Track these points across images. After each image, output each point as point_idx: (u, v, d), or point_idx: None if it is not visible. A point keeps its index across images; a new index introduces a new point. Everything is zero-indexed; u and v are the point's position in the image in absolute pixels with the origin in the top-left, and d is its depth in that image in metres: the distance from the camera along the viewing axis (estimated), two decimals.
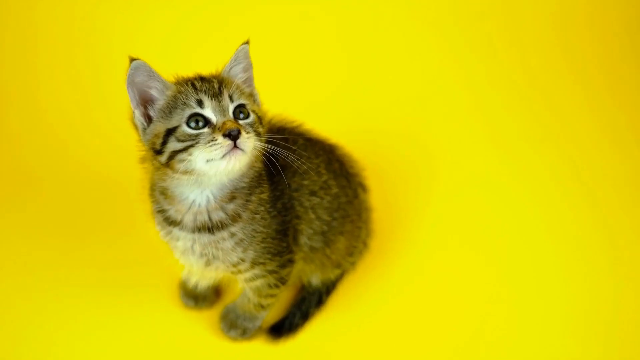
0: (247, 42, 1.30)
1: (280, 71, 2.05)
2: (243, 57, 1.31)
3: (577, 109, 2.10)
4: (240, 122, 1.23)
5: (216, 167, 1.20)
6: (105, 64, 2.07)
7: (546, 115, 2.09)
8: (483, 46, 2.22)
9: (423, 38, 2.22)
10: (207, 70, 1.32)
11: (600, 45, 2.23)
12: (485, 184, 1.89)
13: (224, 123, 1.20)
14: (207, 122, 1.21)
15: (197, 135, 1.20)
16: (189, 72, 1.31)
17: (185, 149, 1.20)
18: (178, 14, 2.18)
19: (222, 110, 1.22)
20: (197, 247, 1.32)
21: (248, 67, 1.32)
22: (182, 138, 1.20)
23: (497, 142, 2.01)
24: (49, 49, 2.11)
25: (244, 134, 1.20)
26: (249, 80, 1.33)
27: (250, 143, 1.21)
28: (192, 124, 1.21)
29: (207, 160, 1.19)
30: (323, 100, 2.06)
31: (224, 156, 1.19)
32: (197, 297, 1.57)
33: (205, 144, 1.19)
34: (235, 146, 1.19)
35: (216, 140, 1.18)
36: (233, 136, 1.18)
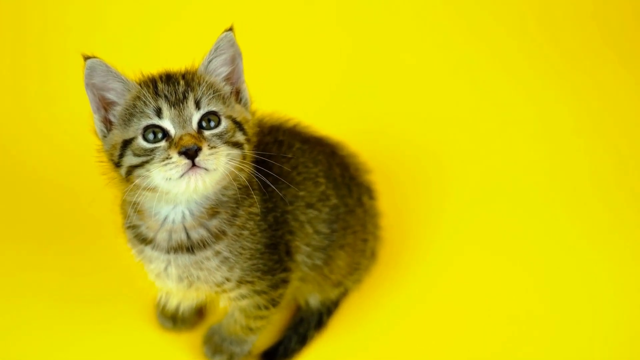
0: (230, 29, 1.19)
1: (277, 62, 2.01)
2: (226, 46, 1.20)
3: (619, 98, 2.01)
4: (207, 132, 1.15)
5: (177, 186, 1.12)
6: (57, 62, 1.98)
7: (579, 108, 2.00)
8: (502, 39, 2.15)
9: (437, 25, 2.16)
10: (185, 62, 1.22)
11: None
12: (508, 187, 1.83)
13: (180, 138, 1.12)
14: (166, 133, 1.14)
15: (152, 150, 1.13)
16: (166, 65, 1.22)
17: (142, 165, 1.13)
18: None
19: (183, 121, 1.13)
20: (173, 270, 1.26)
21: (234, 59, 1.22)
22: (138, 152, 1.14)
23: (521, 140, 1.94)
24: None
25: (205, 151, 1.11)
26: (235, 74, 1.23)
27: (215, 159, 1.12)
28: (150, 136, 1.14)
29: (166, 179, 1.12)
30: (325, 96, 2.01)
31: (182, 176, 1.10)
32: (176, 318, 1.50)
33: (160, 161, 1.11)
34: (195, 165, 1.10)
35: (171, 158, 1.10)
36: (190, 155, 1.10)
